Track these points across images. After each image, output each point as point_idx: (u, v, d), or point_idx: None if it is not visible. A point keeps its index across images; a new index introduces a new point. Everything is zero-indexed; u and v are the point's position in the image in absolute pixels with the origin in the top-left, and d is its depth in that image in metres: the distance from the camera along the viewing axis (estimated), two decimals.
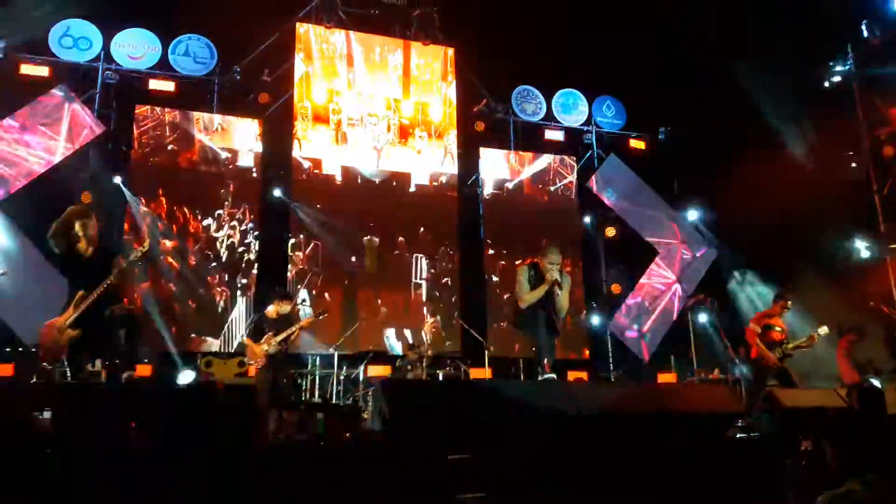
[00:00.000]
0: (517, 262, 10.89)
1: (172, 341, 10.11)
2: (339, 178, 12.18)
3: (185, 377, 6.98)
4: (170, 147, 11.13)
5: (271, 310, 8.34)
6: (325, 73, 12.28)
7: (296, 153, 11.85)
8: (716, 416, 5.55)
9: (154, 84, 11.01)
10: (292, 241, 11.58)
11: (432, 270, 12.28)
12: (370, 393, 9.02)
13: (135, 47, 11.09)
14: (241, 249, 11.24)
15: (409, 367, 9.38)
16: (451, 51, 13.03)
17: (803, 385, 8.45)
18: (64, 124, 10.24)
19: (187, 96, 11.30)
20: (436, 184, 12.66)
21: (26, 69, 10.39)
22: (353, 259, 11.80)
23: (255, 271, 11.24)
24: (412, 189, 12.52)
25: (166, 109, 11.16)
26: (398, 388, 5.72)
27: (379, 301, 11.78)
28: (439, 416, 4.72)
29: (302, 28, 12.17)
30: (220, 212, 11.25)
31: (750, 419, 5.86)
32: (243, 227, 11.34)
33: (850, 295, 10.22)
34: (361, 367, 9.48)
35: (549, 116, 13.44)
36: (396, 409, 4.70)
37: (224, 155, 11.46)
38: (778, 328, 8.11)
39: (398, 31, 12.72)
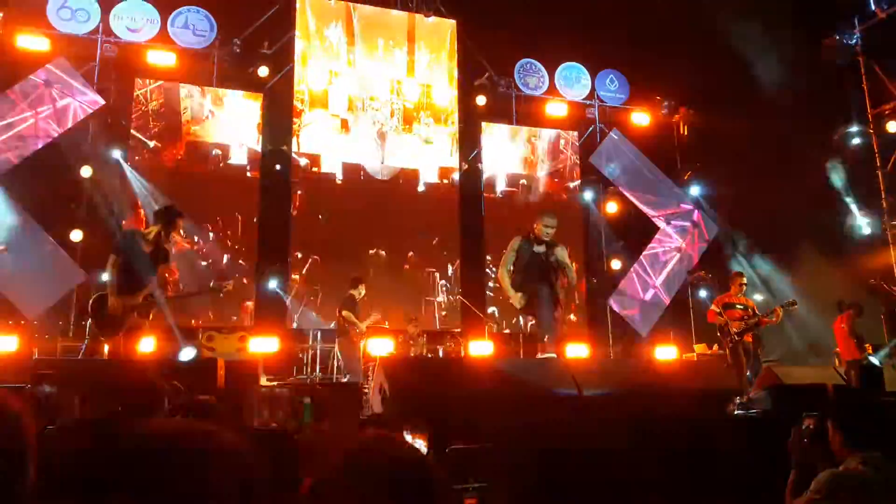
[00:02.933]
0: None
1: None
2: (339, 177, 11.73)
3: (187, 354, 7.00)
4: (153, 144, 10.84)
5: (355, 293, 8.91)
6: (325, 52, 12.01)
7: (292, 150, 11.49)
8: (714, 392, 5.60)
9: (153, 57, 10.88)
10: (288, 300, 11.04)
11: (447, 285, 11.89)
12: (371, 369, 9.06)
13: (133, 19, 10.97)
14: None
15: (410, 343, 9.42)
16: (452, 23, 12.84)
17: (800, 361, 8.55)
18: (63, 98, 10.16)
19: (187, 69, 11.18)
20: (446, 181, 12.37)
21: (24, 41, 10.26)
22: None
23: (250, 304, 10.89)
24: (421, 188, 12.17)
25: (150, 102, 10.86)
26: (398, 365, 5.77)
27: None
28: (439, 394, 4.75)
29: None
30: (210, 230, 10.74)
31: (748, 396, 5.89)
32: (237, 246, 10.95)
33: (851, 272, 10.23)
34: (362, 344, 9.50)
35: (552, 91, 13.32)
36: (396, 387, 4.74)
37: (214, 152, 11.14)
38: (739, 305, 8.36)
39: (400, 4, 12.56)
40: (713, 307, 8.54)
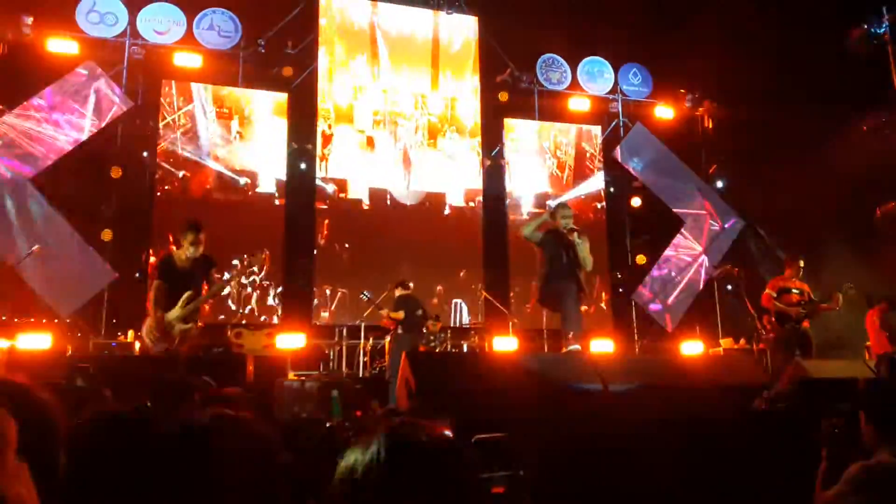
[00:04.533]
0: None
1: None
2: (366, 203, 11.74)
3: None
4: (181, 174, 10.93)
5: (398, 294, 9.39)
6: (349, 68, 12.05)
7: (318, 175, 11.54)
8: (741, 387, 5.57)
9: (180, 59, 11.04)
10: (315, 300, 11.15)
11: (472, 319, 11.83)
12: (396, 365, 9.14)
13: (160, 22, 11.13)
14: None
15: (432, 339, 9.47)
16: (474, 21, 12.84)
17: (831, 355, 8.39)
18: (92, 101, 10.36)
19: (213, 70, 11.34)
20: (472, 204, 12.35)
21: (53, 46, 10.47)
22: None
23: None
24: (447, 212, 12.16)
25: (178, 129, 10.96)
26: (424, 359, 5.82)
27: None
28: (464, 388, 4.79)
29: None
30: (236, 262, 10.33)
31: (777, 390, 5.84)
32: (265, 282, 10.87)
33: (881, 265, 10.07)
34: (387, 339, 9.58)
35: (574, 86, 13.27)
36: (422, 381, 4.79)
37: (244, 181, 11.19)
38: (795, 290, 7.96)
39: (421, 1, 12.60)
40: (768, 290, 8.04)
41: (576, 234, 6.61)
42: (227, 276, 6.40)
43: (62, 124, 10.21)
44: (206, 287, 6.36)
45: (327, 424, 3.77)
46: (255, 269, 6.33)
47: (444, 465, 1.10)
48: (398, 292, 9.53)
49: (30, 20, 10.30)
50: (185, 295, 6.08)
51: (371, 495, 1.07)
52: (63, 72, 10.34)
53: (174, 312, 6.09)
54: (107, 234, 10.28)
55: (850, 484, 2.47)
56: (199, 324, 6.38)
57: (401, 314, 9.16)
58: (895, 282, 9.62)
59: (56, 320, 9.48)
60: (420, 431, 1.12)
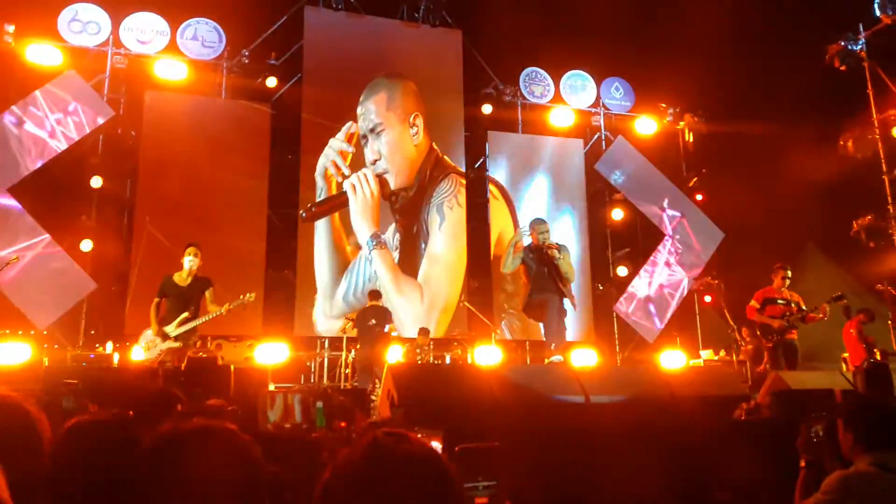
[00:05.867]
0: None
1: None
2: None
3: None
4: None
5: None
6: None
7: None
8: (721, 399, 5.61)
9: (163, 68, 10.98)
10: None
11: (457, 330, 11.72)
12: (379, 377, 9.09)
13: (143, 31, 11.09)
14: None
15: (418, 352, 9.45)
16: (458, 34, 12.92)
17: (807, 366, 8.46)
18: (73, 109, 10.27)
19: (196, 81, 11.29)
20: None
21: (35, 54, 10.38)
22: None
23: None
24: None
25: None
26: (405, 372, 5.81)
27: None
28: (446, 400, 4.79)
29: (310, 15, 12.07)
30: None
31: (756, 401, 5.90)
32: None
33: (858, 277, 10.22)
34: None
35: (557, 99, 13.38)
36: (404, 393, 4.78)
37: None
38: (781, 301, 7.93)
39: (406, 16, 12.67)
40: (752, 302, 7.99)
41: (555, 250, 6.65)
42: (219, 310, 6.93)
43: (43, 132, 10.11)
44: (203, 305, 6.99)
45: (313, 435, 3.75)
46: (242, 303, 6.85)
47: (427, 475, 1.10)
48: (368, 303, 9.52)
49: (11, 28, 10.20)
50: (182, 316, 6.78)
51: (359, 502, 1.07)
52: (44, 80, 10.24)
53: (169, 328, 6.78)
54: (86, 245, 10.17)
55: (830, 493, 2.51)
56: (198, 343, 7.20)
57: (355, 330, 9.27)
58: (872, 293, 9.77)
59: (32, 332, 9.34)
60: (404, 441, 1.13)
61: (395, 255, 11.62)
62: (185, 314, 6.79)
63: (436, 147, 12.33)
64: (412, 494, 1.07)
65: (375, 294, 9.56)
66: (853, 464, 2.63)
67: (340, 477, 1.11)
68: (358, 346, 9.23)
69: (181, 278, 6.99)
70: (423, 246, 11.94)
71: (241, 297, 6.96)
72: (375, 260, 11.27)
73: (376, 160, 11.75)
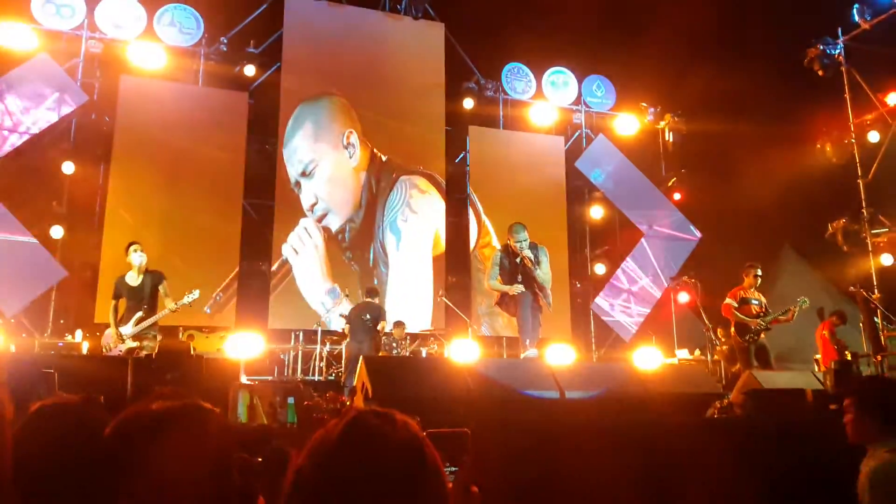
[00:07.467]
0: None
1: None
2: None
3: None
4: None
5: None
6: None
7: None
8: (695, 396, 5.63)
9: (139, 54, 10.76)
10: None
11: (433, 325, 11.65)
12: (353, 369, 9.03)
13: (119, 16, 10.87)
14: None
15: (394, 345, 9.40)
16: (441, 27, 12.85)
17: (780, 366, 8.53)
18: (46, 93, 10.05)
19: (173, 67, 11.10)
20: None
21: (5, 36, 10.11)
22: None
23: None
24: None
25: None
26: (380, 365, 5.76)
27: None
28: (420, 394, 4.75)
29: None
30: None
31: (729, 400, 5.92)
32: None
33: (831, 279, 10.33)
34: (345, 344, 9.47)
35: (539, 95, 13.36)
36: (377, 386, 4.73)
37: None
38: (755, 301, 7.93)
39: (388, 7, 12.56)
40: (729, 300, 7.92)
41: (529, 261, 6.53)
42: (173, 305, 6.78)
43: (14, 116, 9.88)
44: (159, 298, 6.87)
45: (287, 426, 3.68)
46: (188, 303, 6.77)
47: (410, 460, 1.01)
48: (365, 298, 9.56)
49: None
50: (136, 316, 6.68)
51: (334, 485, 0.99)
52: (15, 63, 10.00)
53: (126, 329, 6.70)
54: (57, 232, 9.96)
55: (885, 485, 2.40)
56: (158, 337, 6.88)
57: (347, 327, 9.25)
58: (845, 295, 9.87)
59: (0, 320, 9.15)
60: (387, 422, 1.04)
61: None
62: (140, 314, 6.69)
63: (377, 151, 11.97)
64: (391, 484, 0.98)
65: (372, 291, 9.61)
66: (869, 449, 2.55)
67: (314, 462, 1.02)
68: (348, 340, 9.14)
69: (132, 277, 6.90)
70: (384, 272, 11.68)
71: (187, 294, 6.80)
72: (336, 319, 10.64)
73: (313, 204, 11.31)
